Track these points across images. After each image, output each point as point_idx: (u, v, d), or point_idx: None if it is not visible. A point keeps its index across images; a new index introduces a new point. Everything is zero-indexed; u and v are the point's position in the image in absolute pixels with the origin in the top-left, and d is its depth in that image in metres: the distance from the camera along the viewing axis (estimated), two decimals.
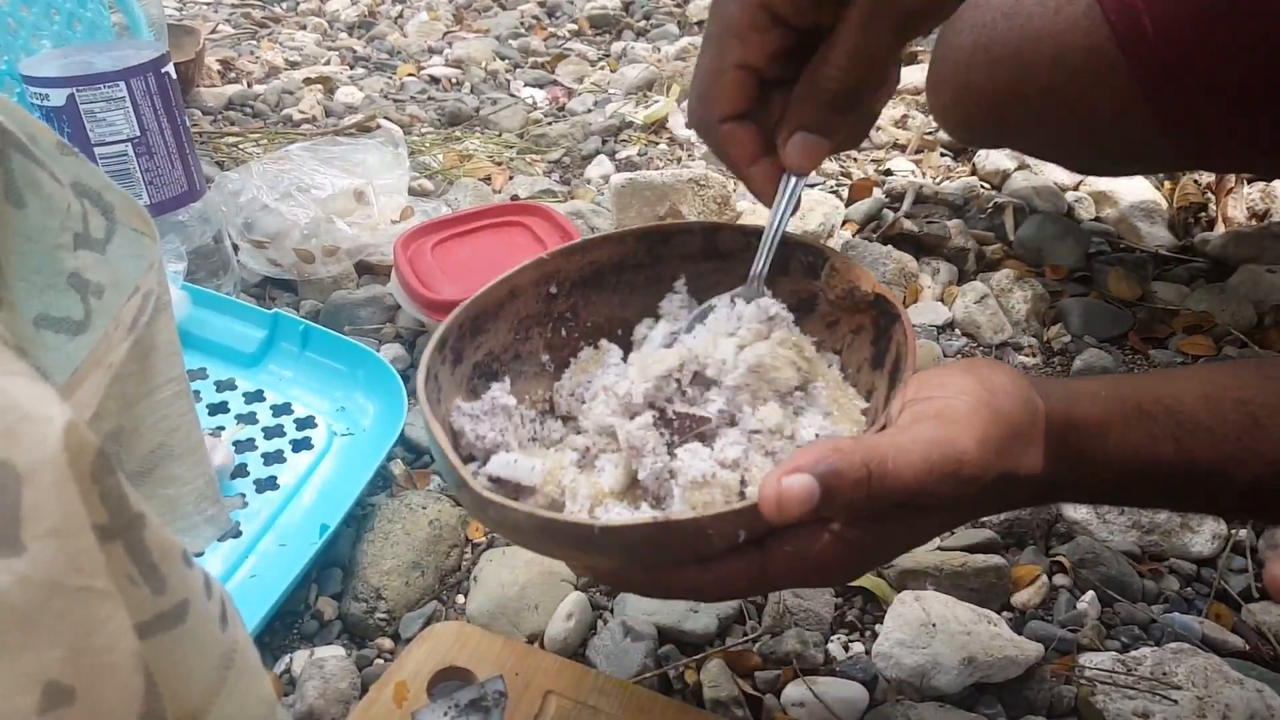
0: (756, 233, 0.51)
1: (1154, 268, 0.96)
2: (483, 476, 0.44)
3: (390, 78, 1.51)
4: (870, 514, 0.38)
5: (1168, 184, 1.08)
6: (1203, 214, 1.03)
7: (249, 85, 1.49)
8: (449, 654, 0.50)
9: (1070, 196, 1.06)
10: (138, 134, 0.77)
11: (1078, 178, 1.09)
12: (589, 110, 1.33)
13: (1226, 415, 0.40)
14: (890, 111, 1.26)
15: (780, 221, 0.47)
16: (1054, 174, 1.09)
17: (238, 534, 0.61)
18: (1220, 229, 1.00)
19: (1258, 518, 0.63)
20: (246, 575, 0.59)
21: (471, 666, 0.50)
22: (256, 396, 0.72)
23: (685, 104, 1.26)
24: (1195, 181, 1.06)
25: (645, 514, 0.42)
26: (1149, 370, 0.82)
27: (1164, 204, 1.04)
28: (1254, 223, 1.01)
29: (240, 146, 1.25)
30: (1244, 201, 1.02)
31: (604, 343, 0.53)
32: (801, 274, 0.51)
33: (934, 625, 0.55)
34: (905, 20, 0.41)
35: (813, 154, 0.44)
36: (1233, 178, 1.04)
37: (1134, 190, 1.05)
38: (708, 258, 0.53)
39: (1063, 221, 0.97)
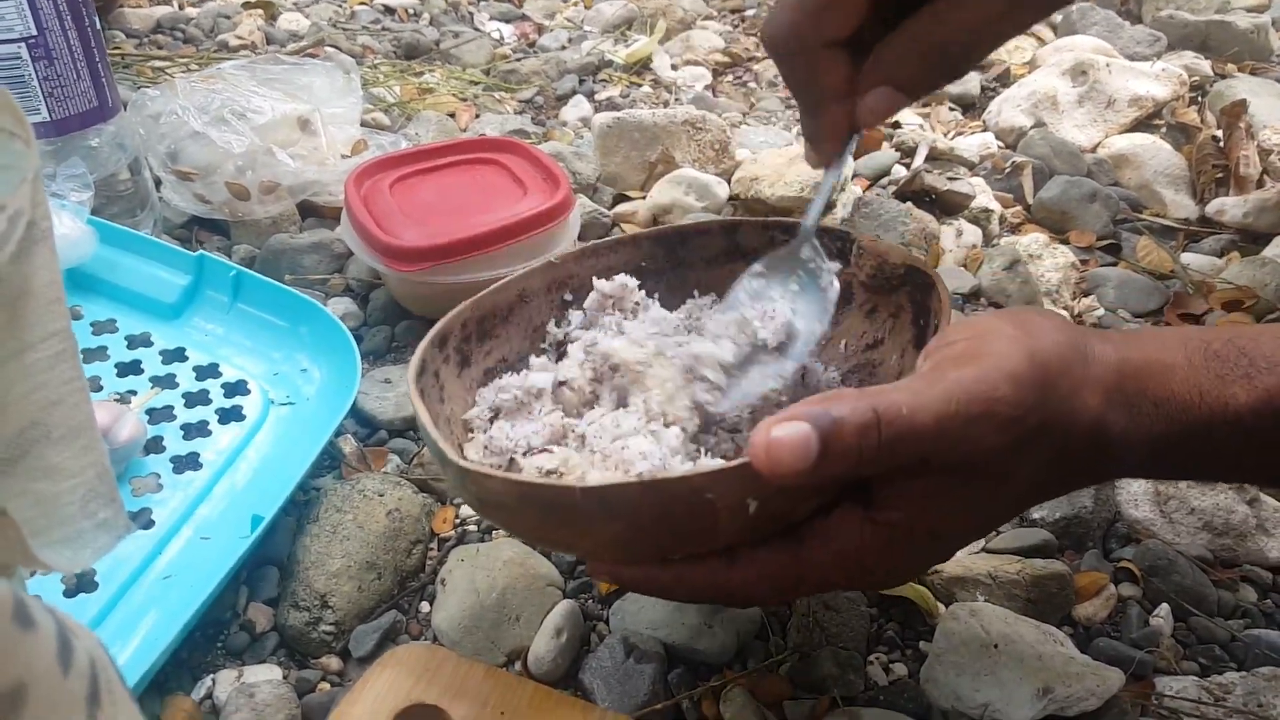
0: (779, 227, 0.49)
1: (1184, 237, 0.88)
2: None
3: (340, 5, 1.37)
4: (890, 473, 0.33)
5: (1186, 146, 1.00)
6: (1225, 173, 0.96)
7: (180, 7, 1.34)
8: (416, 686, 0.40)
9: (1089, 159, 0.97)
10: (34, 33, 0.64)
11: (1096, 138, 1.01)
12: (563, 47, 1.22)
13: None
14: None
15: (839, 178, 0.46)
16: (1071, 133, 1.01)
17: (149, 524, 0.50)
18: (1233, 191, 0.93)
19: None
20: (159, 575, 0.48)
21: (444, 703, 0.39)
22: (177, 355, 0.60)
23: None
24: (1214, 138, 0.99)
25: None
26: None
27: (1187, 169, 0.96)
28: (1266, 178, 0.93)
29: (168, 72, 1.11)
30: (1256, 159, 0.94)
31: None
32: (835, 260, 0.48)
33: (996, 646, 0.47)
34: None
35: (890, 111, 0.42)
36: (1244, 133, 0.96)
37: (1156, 154, 0.97)
38: (731, 258, 0.51)
39: (1088, 184, 0.89)
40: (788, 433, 0.31)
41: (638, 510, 0.33)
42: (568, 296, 0.51)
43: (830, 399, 0.32)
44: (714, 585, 0.36)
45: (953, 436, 0.32)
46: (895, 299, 0.48)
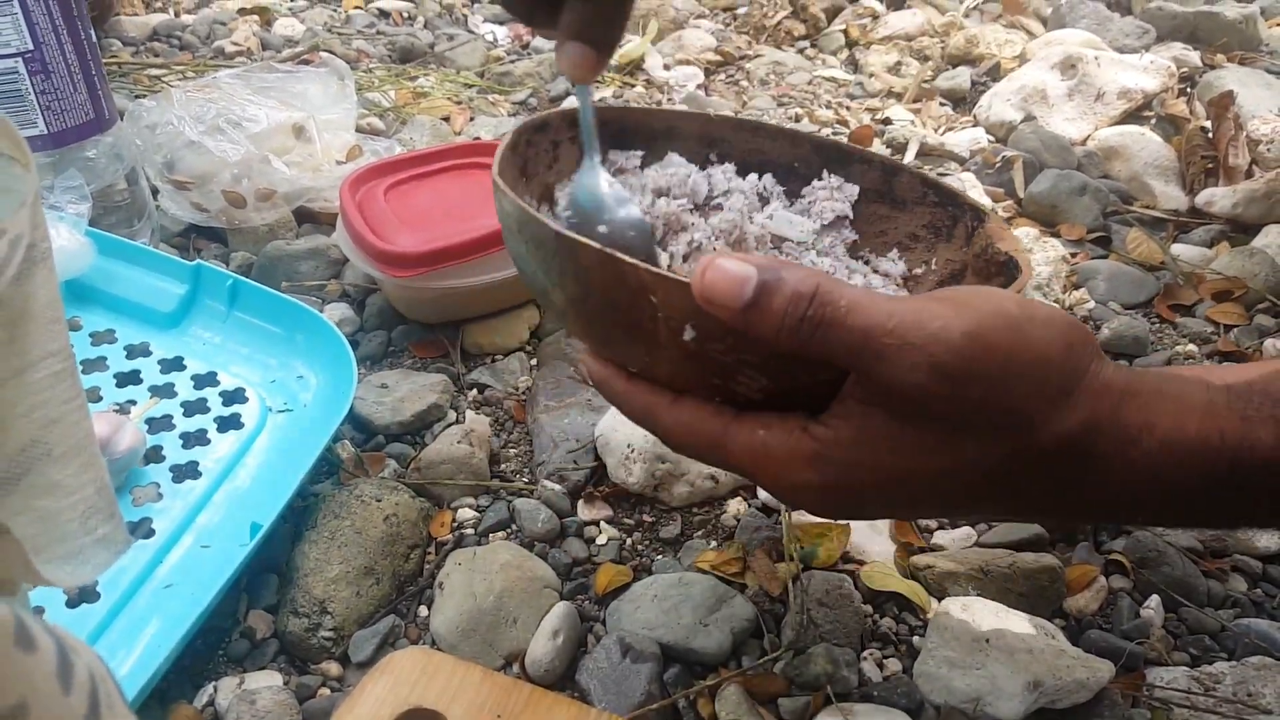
0: (935, 186, 0.49)
1: (1174, 229, 0.89)
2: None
3: (335, 10, 1.37)
4: (848, 393, 0.33)
5: (1175, 138, 1.01)
6: (1214, 164, 0.96)
7: (176, 15, 1.34)
8: (414, 690, 0.41)
9: (1079, 152, 0.98)
10: (30, 48, 0.64)
11: (1085, 131, 1.02)
12: None
13: None
14: (883, 58, 1.17)
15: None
16: (1061, 127, 1.01)
17: (150, 533, 0.51)
18: (1223, 182, 0.93)
19: None
20: (160, 584, 0.49)
21: (442, 707, 0.40)
22: (175, 364, 0.61)
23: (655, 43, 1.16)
24: (1202, 129, 0.99)
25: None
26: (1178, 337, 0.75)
27: (1177, 161, 0.97)
28: (1255, 168, 0.93)
29: (164, 80, 1.11)
30: (1245, 150, 0.94)
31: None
32: (964, 239, 0.47)
33: (987, 640, 0.47)
34: None
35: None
36: (1233, 124, 0.97)
37: (1146, 146, 0.97)
38: (878, 200, 0.50)
39: (1078, 177, 0.89)
40: (731, 267, 0.31)
41: (591, 276, 0.34)
42: (713, 156, 0.51)
43: (791, 264, 0.32)
44: (651, 412, 0.37)
45: (876, 352, 0.31)
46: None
